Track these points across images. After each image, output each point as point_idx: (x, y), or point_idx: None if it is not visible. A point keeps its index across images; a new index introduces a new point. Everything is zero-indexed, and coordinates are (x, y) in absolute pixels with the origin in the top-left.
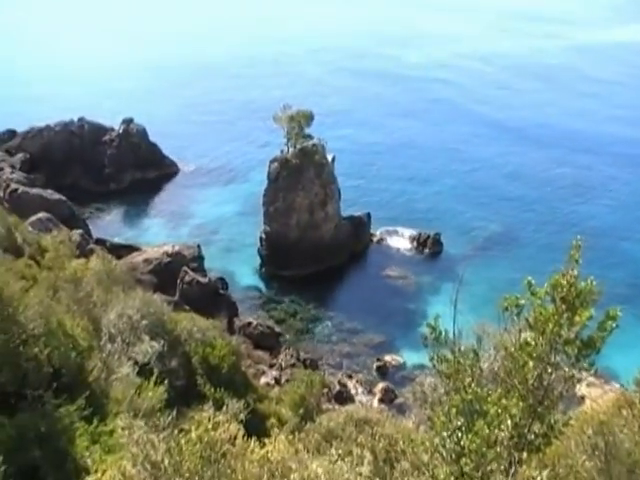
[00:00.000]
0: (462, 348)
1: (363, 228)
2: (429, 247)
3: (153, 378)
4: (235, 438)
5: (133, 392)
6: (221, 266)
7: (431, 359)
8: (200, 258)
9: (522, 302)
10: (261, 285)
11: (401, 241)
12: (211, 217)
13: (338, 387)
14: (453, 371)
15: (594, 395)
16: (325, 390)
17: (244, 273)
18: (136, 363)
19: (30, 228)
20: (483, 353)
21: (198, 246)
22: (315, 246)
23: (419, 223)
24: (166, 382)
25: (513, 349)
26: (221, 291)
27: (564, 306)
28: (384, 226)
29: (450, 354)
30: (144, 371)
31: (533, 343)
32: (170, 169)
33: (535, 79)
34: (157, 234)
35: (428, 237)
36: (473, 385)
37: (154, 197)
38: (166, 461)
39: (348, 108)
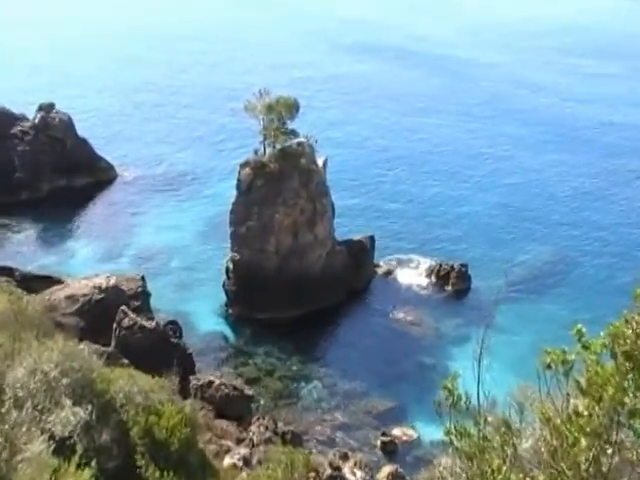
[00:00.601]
0: (489, 419)
1: (365, 256)
2: (452, 283)
3: (76, 458)
4: None
5: (47, 478)
6: (173, 306)
7: (447, 433)
8: (145, 295)
9: (571, 358)
10: (227, 332)
11: (415, 274)
12: (161, 240)
13: (329, 471)
14: (477, 450)
15: None
16: (312, 475)
17: (204, 315)
18: (52, 437)
19: None
20: (518, 426)
21: (142, 278)
22: (300, 280)
23: (439, 251)
24: (94, 463)
25: (559, 421)
26: (173, 339)
27: (628, 364)
28: (393, 254)
29: (473, 426)
30: (63, 448)
31: (586, 414)
32: (106, 175)
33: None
34: (86, 262)
35: (451, 269)
36: (504, 469)
37: (82, 212)
38: None
39: (346, 100)
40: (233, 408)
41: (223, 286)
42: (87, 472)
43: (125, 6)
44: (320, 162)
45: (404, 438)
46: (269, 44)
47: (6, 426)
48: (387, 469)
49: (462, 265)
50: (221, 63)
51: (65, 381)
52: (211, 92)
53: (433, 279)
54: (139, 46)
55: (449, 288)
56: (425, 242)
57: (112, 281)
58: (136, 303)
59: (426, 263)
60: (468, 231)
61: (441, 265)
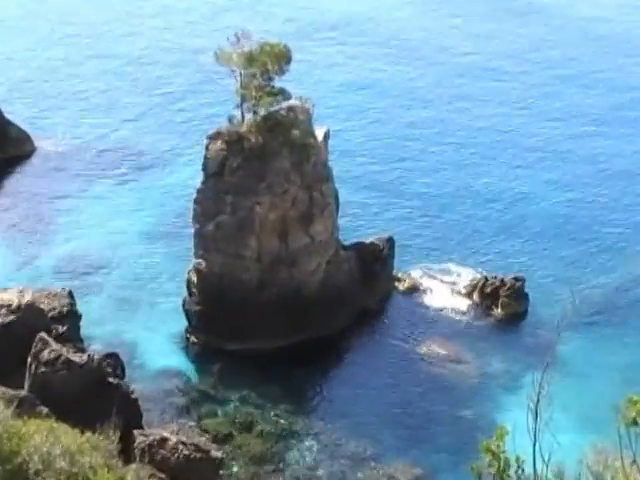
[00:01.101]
0: None
1: (381, 266)
2: (502, 304)
3: None
4: None
5: None
6: (113, 332)
7: None
8: (73, 317)
9: None
10: (188, 369)
11: (451, 291)
12: (96, 241)
13: None
14: None
15: None
16: None
17: (156, 346)
18: None
19: None
20: None
21: (69, 294)
22: (291, 298)
23: (484, 260)
24: None
25: None
26: (111, 379)
27: None
28: (419, 262)
29: None
30: None
31: None
32: (18, 148)
33: None
34: None
35: (501, 285)
36: None
37: None
38: None
39: (356, 52)
40: (195, 476)
41: (183, 305)
42: None
43: None
44: (320, 135)
45: None
46: None
47: None
48: None
49: (517, 279)
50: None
51: None
52: (170, 40)
53: (475, 298)
54: None
55: (498, 311)
56: (464, 246)
57: (27, 298)
58: (61, 328)
59: (466, 276)
60: (525, 234)
61: (487, 279)
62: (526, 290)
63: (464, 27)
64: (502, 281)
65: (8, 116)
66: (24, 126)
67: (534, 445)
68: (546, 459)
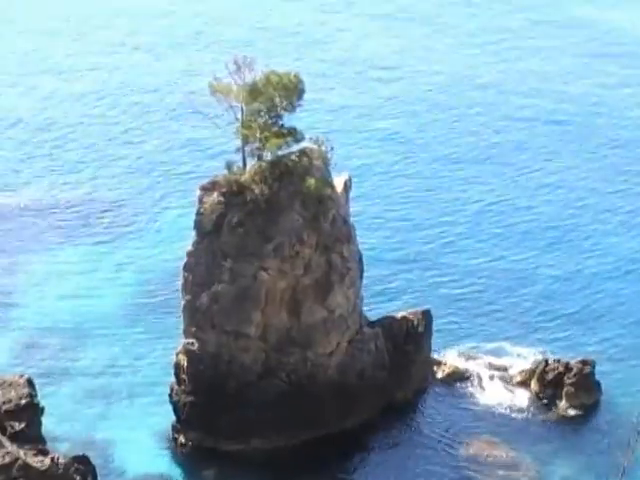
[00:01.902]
0: None
1: (416, 347)
2: (567, 394)
3: None
4: None
5: None
6: (82, 430)
7: None
8: (33, 410)
9: None
10: (176, 474)
11: (502, 379)
12: (62, 314)
13: None
14: None
15: None
16: None
17: (136, 446)
18: None
19: None
20: None
21: (29, 382)
22: (303, 386)
23: (543, 339)
24: None
25: None
26: None
27: None
28: (462, 342)
29: None
30: None
31: None
32: None
33: None
34: None
35: (566, 370)
36: None
37: None
38: None
39: (371, 85)
40: None
41: (170, 396)
42: None
43: None
44: (339, 184)
45: None
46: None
47: None
48: None
49: (585, 363)
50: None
51: None
52: (155, 74)
53: (533, 387)
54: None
55: (561, 404)
56: (519, 323)
57: None
58: (18, 425)
59: (521, 359)
60: (594, 310)
61: (547, 363)
62: (597, 377)
63: (499, 65)
64: (567, 366)
65: None
66: None
67: None
68: None
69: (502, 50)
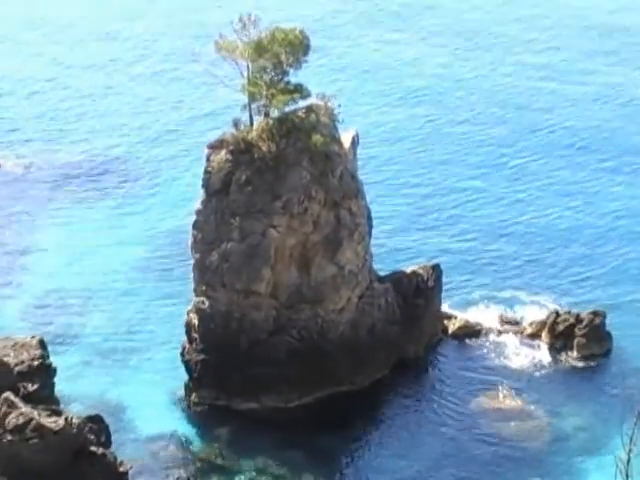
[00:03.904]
0: None
1: (426, 301)
2: (579, 344)
3: None
4: None
5: None
6: (95, 390)
7: None
8: (46, 372)
9: None
10: (189, 433)
11: (513, 330)
12: (72, 276)
13: None
14: None
15: None
16: None
17: (149, 405)
18: None
19: None
20: None
21: (41, 343)
22: (314, 343)
23: (553, 290)
24: None
25: None
26: (94, 447)
27: None
28: (474, 295)
29: None
30: None
31: None
32: None
33: None
34: None
35: (577, 321)
36: None
37: None
38: None
39: (382, 35)
40: None
41: (182, 355)
42: None
43: None
44: (347, 140)
45: None
46: None
47: None
48: None
49: (596, 314)
50: None
51: None
52: (160, 28)
53: (545, 338)
54: None
55: (573, 354)
56: (528, 275)
57: None
58: (31, 386)
59: (532, 311)
60: (605, 259)
61: (558, 314)
62: (607, 328)
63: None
64: (577, 317)
65: None
66: None
67: None
68: None
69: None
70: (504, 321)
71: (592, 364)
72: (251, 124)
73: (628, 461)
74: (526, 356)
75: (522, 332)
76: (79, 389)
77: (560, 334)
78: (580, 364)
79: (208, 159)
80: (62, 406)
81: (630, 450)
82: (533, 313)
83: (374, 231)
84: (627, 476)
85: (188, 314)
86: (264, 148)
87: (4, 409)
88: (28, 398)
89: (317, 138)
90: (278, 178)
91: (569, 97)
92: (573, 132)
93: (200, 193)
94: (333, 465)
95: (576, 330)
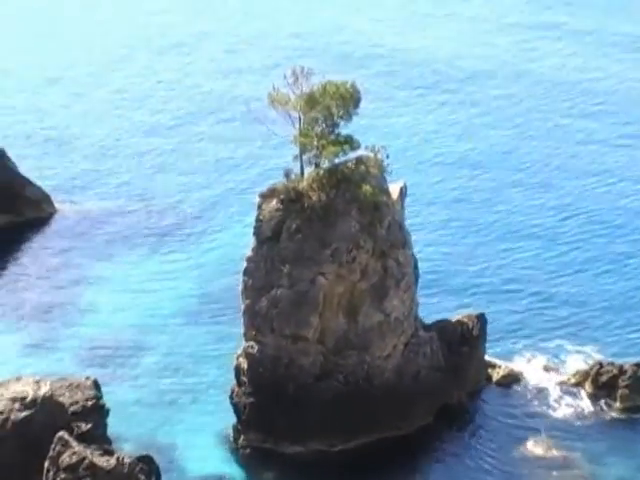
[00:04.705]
0: None
1: (470, 349)
2: (622, 395)
3: None
4: None
5: None
6: (146, 431)
7: None
8: (99, 412)
9: None
10: (236, 474)
11: (557, 380)
12: (125, 318)
13: None
14: None
15: None
16: None
17: (198, 447)
18: None
19: None
20: None
21: (95, 384)
22: (360, 389)
23: (597, 341)
24: None
25: None
26: None
27: None
28: (517, 345)
29: None
30: None
31: None
32: (36, 210)
33: None
34: (2, 354)
35: (619, 373)
36: None
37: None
38: None
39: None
40: None
41: (231, 398)
42: None
43: None
44: (395, 191)
45: None
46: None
47: None
48: None
49: (638, 366)
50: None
51: None
52: (212, 84)
53: (588, 389)
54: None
55: (617, 405)
56: (572, 326)
57: (44, 389)
58: (84, 426)
59: (575, 362)
60: None
61: (602, 365)
62: None
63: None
64: (621, 368)
65: (26, 174)
66: (43, 185)
67: None
68: None
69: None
70: (548, 370)
71: (635, 416)
72: (302, 174)
73: None
74: (569, 406)
75: (565, 382)
76: (131, 429)
77: (603, 385)
78: (623, 416)
79: (260, 207)
80: (114, 445)
81: None
82: (577, 363)
83: (420, 280)
84: None
85: (237, 358)
86: (314, 197)
87: (58, 448)
88: (81, 437)
89: (366, 189)
90: (327, 227)
91: None
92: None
93: (251, 240)
94: None
95: (619, 381)
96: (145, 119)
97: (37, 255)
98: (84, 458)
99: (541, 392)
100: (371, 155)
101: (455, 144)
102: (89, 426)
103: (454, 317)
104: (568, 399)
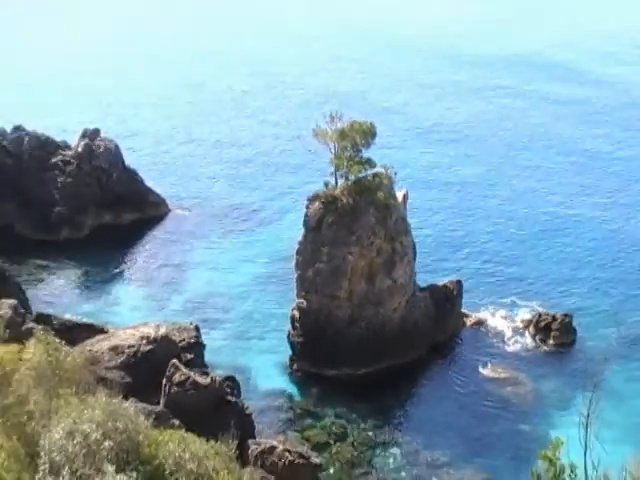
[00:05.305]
0: None
1: (451, 305)
2: (554, 336)
3: None
4: None
5: None
6: (230, 359)
7: None
8: (199, 346)
9: None
10: (292, 390)
11: (510, 326)
12: (217, 284)
13: None
14: None
15: None
16: None
17: (266, 371)
18: None
19: None
20: None
21: (196, 328)
22: (376, 332)
23: (538, 298)
24: None
25: None
26: (230, 397)
27: None
28: (484, 302)
29: None
30: None
31: None
32: (156, 210)
33: None
34: (133, 308)
35: (553, 320)
36: None
37: (129, 252)
38: None
39: (418, 115)
40: (299, 477)
41: (288, 337)
42: None
43: (176, 23)
44: (400, 196)
45: None
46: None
47: None
48: None
49: (565, 315)
50: (287, 87)
51: (107, 444)
52: (276, 119)
53: (531, 331)
54: (190, 68)
55: (550, 342)
56: (522, 288)
57: (162, 331)
58: (189, 356)
59: (523, 313)
60: (572, 274)
61: (540, 315)
62: (574, 325)
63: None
64: (553, 317)
65: (148, 184)
66: (160, 192)
67: (585, 453)
68: (595, 464)
69: None
70: (504, 319)
71: (562, 350)
72: (336, 184)
73: (588, 415)
74: (518, 342)
75: (516, 326)
76: (220, 359)
77: (541, 328)
78: (554, 349)
79: (307, 207)
80: (209, 370)
81: (589, 407)
82: (524, 314)
83: (417, 257)
84: (587, 425)
85: (292, 310)
86: (344, 200)
87: (172, 370)
88: (187, 364)
89: (380, 194)
90: (354, 221)
91: None
92: None
93: (301, 230)
94: (387, 413)
95: (552, 326)
96: (234, 153)
97: (156, 241)
98: (189, 377)
99: (499, 333)
100: (384, 171)
101: (444, 173)
102: (192, 356)
103: (440, 282)
104: (518, 338)
